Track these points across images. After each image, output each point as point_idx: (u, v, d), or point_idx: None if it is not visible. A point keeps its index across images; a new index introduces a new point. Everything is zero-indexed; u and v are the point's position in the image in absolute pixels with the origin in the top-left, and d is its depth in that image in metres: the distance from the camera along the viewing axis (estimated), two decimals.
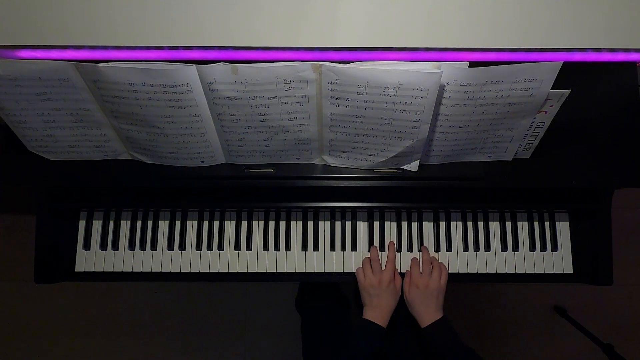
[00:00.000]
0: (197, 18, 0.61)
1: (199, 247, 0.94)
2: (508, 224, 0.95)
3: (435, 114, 0.70)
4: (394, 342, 0.98)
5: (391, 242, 0.92)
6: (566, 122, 0.78)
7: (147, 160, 0.82)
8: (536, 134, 0.77)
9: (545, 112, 0.72)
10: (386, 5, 0.61)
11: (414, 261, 0.90)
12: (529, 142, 0.79)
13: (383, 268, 0.89)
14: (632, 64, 0.83)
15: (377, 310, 0.84)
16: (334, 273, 0.93)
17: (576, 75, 0.82)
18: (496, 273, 0.93)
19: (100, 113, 0.72)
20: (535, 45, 0.61)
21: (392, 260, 0.89)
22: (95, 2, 0.60)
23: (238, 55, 0.66)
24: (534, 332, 1.66)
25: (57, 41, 0.61)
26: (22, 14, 0.60)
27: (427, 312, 0.84)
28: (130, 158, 0.82)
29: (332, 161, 0.83)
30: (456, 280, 0.93)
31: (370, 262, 0.90)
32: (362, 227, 0.95)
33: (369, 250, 0.94)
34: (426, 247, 0.93)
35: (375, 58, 0.66)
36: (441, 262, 0.91)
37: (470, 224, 0.95)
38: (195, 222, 0.95)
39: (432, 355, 0.88)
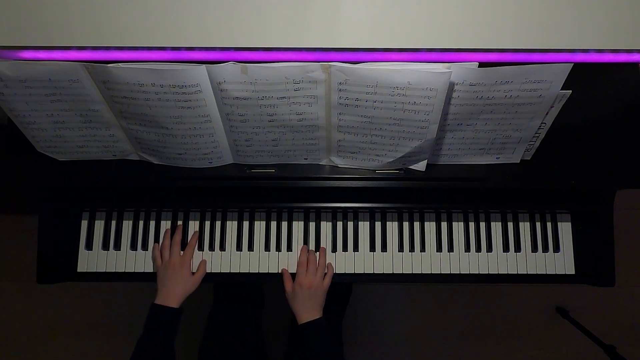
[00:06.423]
0: (199, 18, 0.61)
1: (200, 247, 0.94)
2: (510, 225, 0.95)
3: (444, 113, 0.70)
4: None
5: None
6: (568, 122, 0.78)
7: (155, 161, 0.82)
8: (538, 134, 0.77)
9: (547, 113, 0.72)
10: (389, 6, 0.61)
11: (301, 261, 0.91)
12: (531, 142, 0.79)
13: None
14: (634, 65, 0.83)
15: (165, 293, 0.86)
16: (336, 274, 0.92)
17: (578, 76, 0.82)
18: (498, 274, 0.93)
19: (110, 114, 0.72)
20: (538, 46, 0.61)
21: (177, 243, 0.90)
22: (97, 3, 0.60)
23: (240, 56, 0.66)
24: (535, 334, 1.65)
25: (60, 42, 0.61)
26: (24, 14, 0.60)
27: (306, 310, 0.86)
28: (138, 159, 0.82)
29: (340, 162, 0.83)
30: (458, 281, 0.93)
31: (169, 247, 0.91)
32: (364, 227, 0.95)
33: (370, 251, 0.94)
34: (324, 249, 0.93)
35: (378, 59, 0.66)
36: (329, 263, 0.93)
37: (472, 225, 0.95)
38: (197, 223, 0.95)
39: (301, 352, 0.89)
